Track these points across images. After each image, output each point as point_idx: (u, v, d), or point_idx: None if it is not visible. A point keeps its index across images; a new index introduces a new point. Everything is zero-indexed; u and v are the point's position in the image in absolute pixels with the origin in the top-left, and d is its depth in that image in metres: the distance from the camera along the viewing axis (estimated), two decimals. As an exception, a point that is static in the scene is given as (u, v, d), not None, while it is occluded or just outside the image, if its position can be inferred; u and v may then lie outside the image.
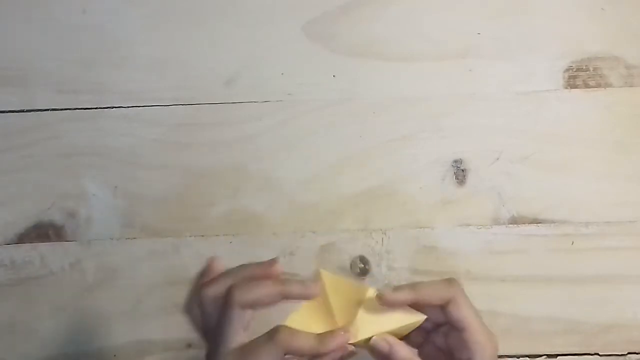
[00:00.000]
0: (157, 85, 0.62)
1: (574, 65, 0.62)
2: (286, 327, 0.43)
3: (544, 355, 0.60)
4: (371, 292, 0.46)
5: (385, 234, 0.61)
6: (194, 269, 0.60)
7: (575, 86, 0.62)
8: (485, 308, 0.60)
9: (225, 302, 0.43)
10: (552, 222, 0.61)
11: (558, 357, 0.60)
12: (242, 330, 0.43)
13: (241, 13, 0.63)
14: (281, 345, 0.42)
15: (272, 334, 0.43)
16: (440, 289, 0.46)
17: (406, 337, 0.47)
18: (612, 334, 0.60)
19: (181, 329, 0.59)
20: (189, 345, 0.60)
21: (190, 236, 0.61)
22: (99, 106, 0.62)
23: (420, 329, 0.47)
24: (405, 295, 0.45)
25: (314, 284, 0.45)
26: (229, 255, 0.61)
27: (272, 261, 0.46)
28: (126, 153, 0.62)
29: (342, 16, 0.63)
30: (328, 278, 0.47)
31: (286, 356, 0.43)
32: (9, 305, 0.61)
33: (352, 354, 0.45)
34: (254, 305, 0.44)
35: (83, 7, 0.63)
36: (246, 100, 0.62)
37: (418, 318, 0.46)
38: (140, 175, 0.62)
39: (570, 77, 0.62)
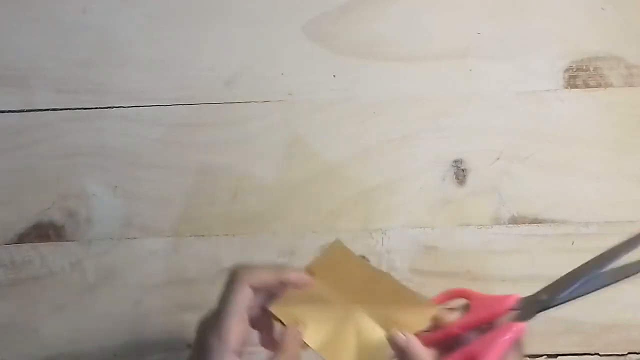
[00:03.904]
0: (157, 85, 0.62)
1: (574, 65, 0.62)
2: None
3: (544, 355, 0.60)
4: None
5: (385, 234, 0.61)
6: (194, 269, 0.61)
7: (575, 86, 0.62)
8: (485, 308, 0.60)
9: (231, 279, 0.45)
10: (552, 222, 0.61)
11: (558, 357, 0.60)
12: (245, 306, 0.45)
13: (241, 13, 0.63)
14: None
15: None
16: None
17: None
18: (612, 334, 0.60)
19: (181, 329, 0.59)
20: (189, 345, 0.60)
21: (190, 236, 0.61)
22: (99, 106, 0.62)
23: None
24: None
25: (309, 276, 0.47)
26: (229, 255, 0.61)
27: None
28: (126, 153, 0.62)
29: (342, 16, 0.63)
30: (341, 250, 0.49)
31: None
32: (9, 305, 0.61)
33: None
34: (256, 285, 0.45)
35: (83, 7, 0.63)
36: (246, 100, 0.62)
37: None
38: (140, 175, 0.62)
39: (570, 77, 0.62)
